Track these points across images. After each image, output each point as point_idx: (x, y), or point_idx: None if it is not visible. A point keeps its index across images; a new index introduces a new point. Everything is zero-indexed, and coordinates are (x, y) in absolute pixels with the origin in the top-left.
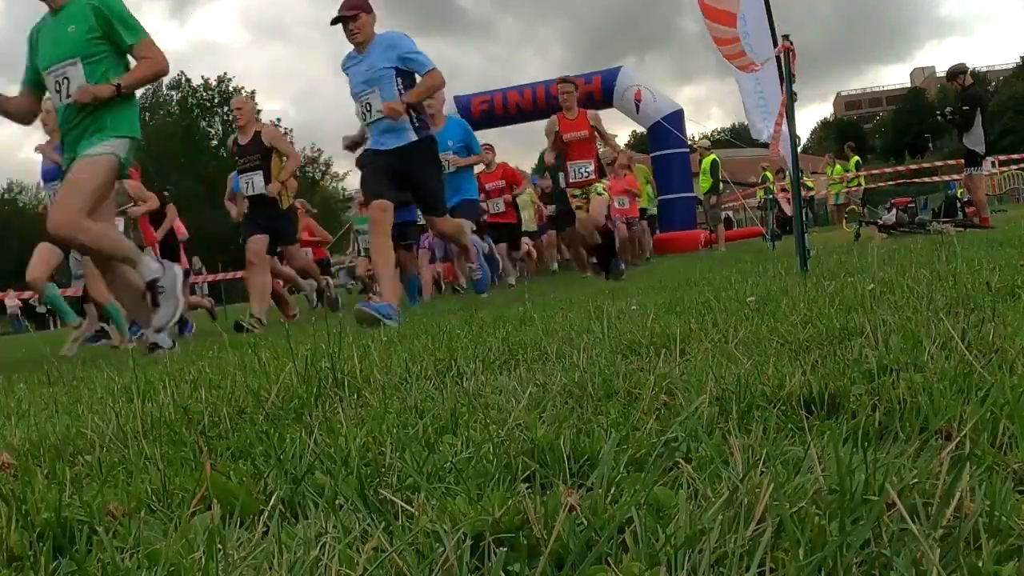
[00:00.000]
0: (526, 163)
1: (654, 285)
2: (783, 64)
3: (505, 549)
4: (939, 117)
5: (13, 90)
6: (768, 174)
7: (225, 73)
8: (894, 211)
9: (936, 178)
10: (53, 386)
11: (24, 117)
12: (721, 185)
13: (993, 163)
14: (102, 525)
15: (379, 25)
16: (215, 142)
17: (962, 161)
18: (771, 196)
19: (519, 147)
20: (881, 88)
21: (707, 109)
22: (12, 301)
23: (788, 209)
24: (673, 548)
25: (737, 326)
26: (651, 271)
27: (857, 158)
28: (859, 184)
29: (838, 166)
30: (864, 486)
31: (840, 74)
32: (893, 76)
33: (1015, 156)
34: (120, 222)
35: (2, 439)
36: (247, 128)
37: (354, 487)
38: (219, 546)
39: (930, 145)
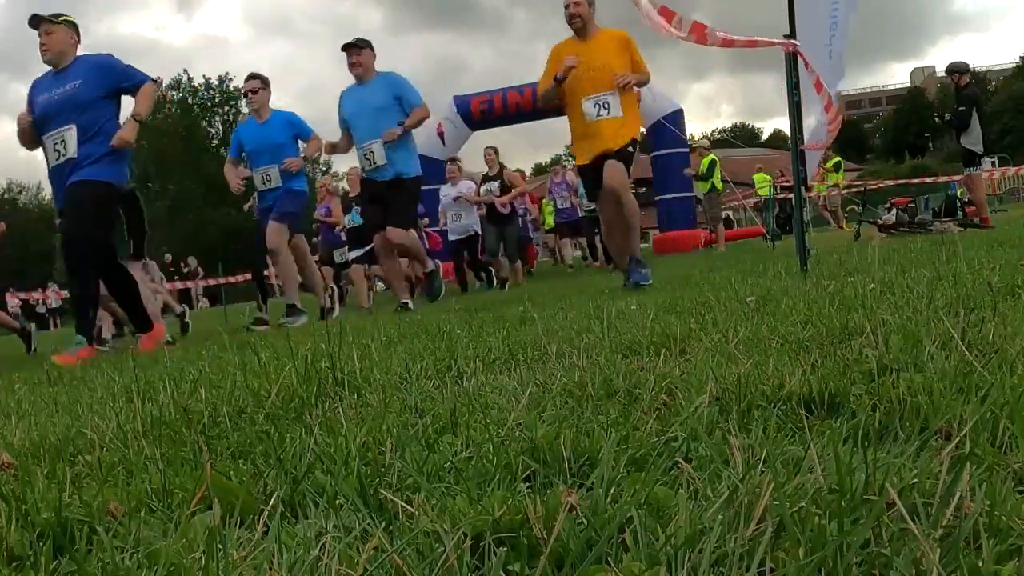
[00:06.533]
0: (527, 163)
1: (654, 285)
2: (787, 65)
3: (505, 549)
4: (936, 119)
5: (13, 87)
6: (764, 175)
7: (227, 73)
8: (894, 211)
9: (937, 179)
10: (53, 386)
11: None
12: (721, 185)
13: (993, 163)
14: (102, 525)
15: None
16: (215, 142)
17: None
18: (771, 196)
19: (524, 146)
20: (882, 87)
21: (717, 106)
22: (12, 300)
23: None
24: (673, 548)
25: (737, 326)
26: (651, 271)
27: (837, 158)
28: (835, 183)
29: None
30: (864, 486)
31: (850, 71)
32: (904, 74)
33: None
34: None
35: (2, 439)
36: None
37: (354, 487)
38: (219, 546)
39: (930, 145)
